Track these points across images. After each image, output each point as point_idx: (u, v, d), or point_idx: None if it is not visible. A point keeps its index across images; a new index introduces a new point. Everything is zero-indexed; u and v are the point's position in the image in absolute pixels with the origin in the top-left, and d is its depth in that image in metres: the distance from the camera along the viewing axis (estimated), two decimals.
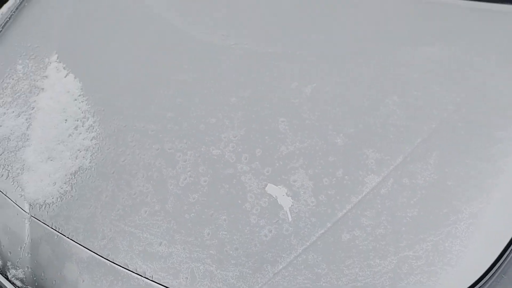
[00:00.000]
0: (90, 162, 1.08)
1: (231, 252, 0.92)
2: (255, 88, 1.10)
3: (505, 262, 0.84)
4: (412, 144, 0.96)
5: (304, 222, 0.92)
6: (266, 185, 0.97)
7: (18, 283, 1.06)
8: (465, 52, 1.08)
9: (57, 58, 1.29)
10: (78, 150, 1.11)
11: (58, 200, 1.07)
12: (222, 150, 1.02)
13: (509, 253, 0.84)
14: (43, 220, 1.07)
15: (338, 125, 1.01)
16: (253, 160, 1.00)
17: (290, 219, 0.93)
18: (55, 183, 1.09)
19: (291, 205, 0.94)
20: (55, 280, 1.01)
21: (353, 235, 0.89)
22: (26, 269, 1.05)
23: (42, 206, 1.08)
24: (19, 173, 1.15)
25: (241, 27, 1.23)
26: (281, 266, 0.89)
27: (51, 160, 1.12)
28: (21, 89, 1.27)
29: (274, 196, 0.95)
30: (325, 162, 0.97)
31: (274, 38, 1.18)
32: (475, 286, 0.82)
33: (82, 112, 1.16)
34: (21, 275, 1.06)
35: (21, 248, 1.08)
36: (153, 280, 0.93)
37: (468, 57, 1.07)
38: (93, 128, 1.13)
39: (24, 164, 1.15)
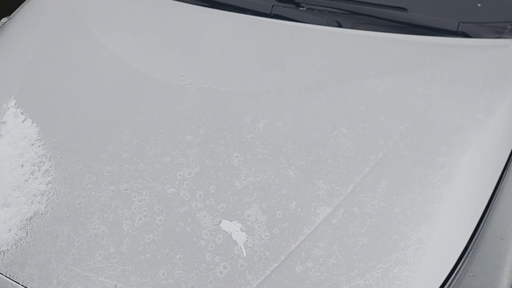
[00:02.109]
0: (45, 207, 1.08)
1: None
2: (210, 125, 1.13)
3: (452, 285, 0.86)
4: (361, 174, 0.99)
5: (258, 257, 0.92)
6: (220, 222, 0.98)
7: None
8: (408, 83, 1.13)
9: (15, 104, 1.30)
10: (34, 195, 1.10)
11: (13, 247, 1.05)
12: (177, 188, 1.03)
13: (454, 276, 0.86)
14: None
15: (290, 158, 1.04)
16: (207, 197, 1.01)
17: (244, 254, 0.93)
18: (10, 229, 1.07)
19: (246, 240, 0.95)
20: None
21: (306, 266, 0.90)
22: None
23: None
24: None
25: (197, 67, 1.27)
26: None
27: (7, 206, 1.10)
28: None
29: (229, 232, 0.96)
30: (278, 195, 0.99)
31: (228, 77, 1.22)
32: None
33: (39, 157, 1.16)
34: None
35: None
36: None
37: (412, 88, 1.12)
38: (49, 172, 1.13)
39: None
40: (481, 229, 0.92)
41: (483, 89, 1.10)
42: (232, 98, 1.17)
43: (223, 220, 0.98)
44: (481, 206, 0.94)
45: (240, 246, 0.94)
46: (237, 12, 1.40)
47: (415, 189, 0.95)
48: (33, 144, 1.18)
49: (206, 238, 0.96)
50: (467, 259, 0.88)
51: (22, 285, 1.01)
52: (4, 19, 1.69)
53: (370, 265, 0.87)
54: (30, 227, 1.07)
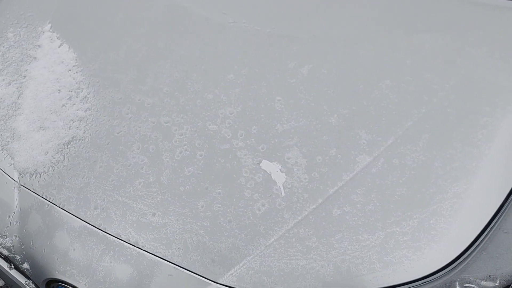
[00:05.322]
0: (84, 133, 1.08)
1: (225, 224, 0.94)
2: (252, 66, 1.12)
3: (485, 240, 0.89)
4: (403, 127, 1.00)
5: (296, 197, 0.95)
6: (261, 161, 0.99)
7: (4, 251, 1.06)
8: (456, 41, 1.11)
9: (51, 28, 1.27)
10: (72, 120, 1.10)
11: (50, 169, 1.07)
12: (219, 126, 1.04)
13: (489, 231, 0.89)
14: (33, 189, 1.06)
15: (332, 106, 1.04)
16: (249, 137, 1.02)
17: (283, 194, 0.95)
18: (47, 152, 1.08)
19: (285, 181, 0.97)
20: (44, 249, 1.01)
21: (343, 210, 0.92)
22: (14, 237, 1.05)
23: (32, 175, 1.07)
24: (9, 141, 1.13)
25: (241, 5, 1.23)
26: (273, 239, 0.91)
27: (43, 129, 1.11)
28: (12, 57, 1.25)
29: (268, 172, 0.98)
30: (318, 141, 1.00)
31: (273, 18, 1.20)
32: (457, 261, 0.87)
33: (77, 83, 1.15)
34: (8, 244, 1.05)
35: (9, 216, 1.07)
36: (145, 250, 0.94)
37: (459, 46, 1.11)
38: (88, 99, 1.12)
39: (14, 133, 1.13)
40: None
41: None
42: (276, 40, 1.15)
43: (263, 160, 0.99)
44: None
45: (279, 186, 0.96)
46: None
47: (456, 146, 0.96)
48: (70, 70, 1.17)
49: (246, 175, 0.98)
50: (502, 216, 0.90)
51: (59, 207, 1.03)
52: None
53: (407, 215, 0.90)
54: (68, 151, 1.08)
